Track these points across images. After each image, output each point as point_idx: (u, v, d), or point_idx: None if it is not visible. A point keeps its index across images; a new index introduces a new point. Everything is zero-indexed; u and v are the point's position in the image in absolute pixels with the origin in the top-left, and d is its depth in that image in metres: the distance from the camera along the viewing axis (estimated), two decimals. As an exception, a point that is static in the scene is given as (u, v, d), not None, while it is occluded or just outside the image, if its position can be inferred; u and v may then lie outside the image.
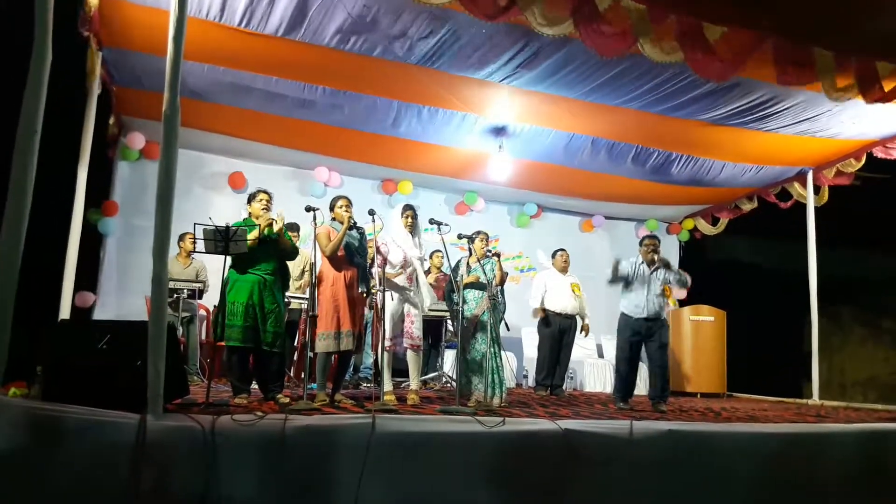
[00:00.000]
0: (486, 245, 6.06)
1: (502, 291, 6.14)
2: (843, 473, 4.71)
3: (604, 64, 6.24)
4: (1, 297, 3.23)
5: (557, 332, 7.73)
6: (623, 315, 6.41)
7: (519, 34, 5.88)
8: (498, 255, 6.00)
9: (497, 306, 5.89)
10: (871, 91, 6.10)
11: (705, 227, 11.40)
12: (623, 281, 6.39)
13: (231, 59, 6.59)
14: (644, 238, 6.62)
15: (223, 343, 5.01)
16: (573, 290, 7.84)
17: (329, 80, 7.07)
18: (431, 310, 6.35)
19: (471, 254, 5.96)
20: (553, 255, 8.07)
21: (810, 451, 4.70)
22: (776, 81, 6.06)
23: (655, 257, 6.40)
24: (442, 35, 5.94)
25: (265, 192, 5.28)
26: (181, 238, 7.62)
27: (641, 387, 8.51)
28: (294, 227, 7.10)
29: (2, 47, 5.55)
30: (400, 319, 5.56)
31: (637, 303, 6.29)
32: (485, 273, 5.83)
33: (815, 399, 8.47)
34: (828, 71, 5.97)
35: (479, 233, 6.08)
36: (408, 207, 5.79)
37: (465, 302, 5.75)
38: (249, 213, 5.23)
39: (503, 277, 6.00)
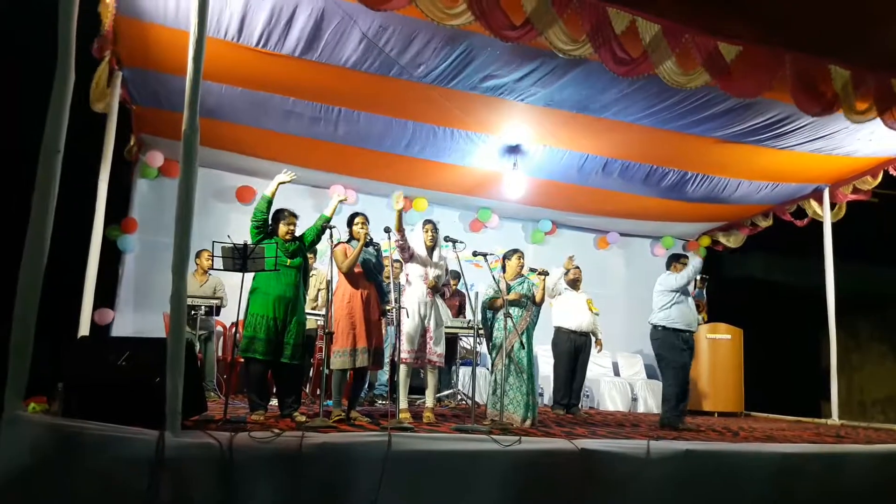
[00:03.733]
0: (521, 262, 6.03)
1: (538, 311, 6.09)
2: (863, 495, 4.65)
3: (619, 81, 6.27)
4: (23, 313, 3.27)
5: (573, 350, 7.69)
6: (667, 329, 6.27)
7: (534, 54, 5.93)
8: (545, 273, 5.97)
9: (533, 325, 5.88)
10: (890, 111, 6.09)
11: (725, 239, 11.33)
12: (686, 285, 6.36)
13: (249, 80, 6.68)
14: (680, 255, 6.68)
15: (241, 358, 5.05)
16: (588, 307, 7.80)
17: (345, 101, 7.15)
18: (447, 326, 6.35)
19: (504, 271, 5.96)
20: (565, 273, 8.01)
21: (830, 473, 4.64)
22: (803, 111, 6.08)
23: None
24: (457, 55, 6.00)
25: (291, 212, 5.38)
26: (198, 255, 7.66)
27: (653, 405, 8.48)
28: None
29: (23, 64, 5.67)
30: (420, 335, 5.56)
31: (686, 316, 6.26)
32: (517, 290, 5.81)
33: (835, 418, 8.37)
34: (847, 94, 5.96)
35: (515, 251, 6.07)
36: (428, 222, 5.83)
37: (500, 321, 5.73)
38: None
39: (543, 299, 5.96)
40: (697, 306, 6.45)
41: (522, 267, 6.02)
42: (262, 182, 9.21)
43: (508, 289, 5.83)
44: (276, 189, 5.28)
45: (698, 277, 6.55)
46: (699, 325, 6.45)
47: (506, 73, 6.30)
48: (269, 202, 5.21)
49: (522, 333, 5.66)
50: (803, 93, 5.92)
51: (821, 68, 5.98)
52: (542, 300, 5.92)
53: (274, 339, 4.95)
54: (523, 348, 5.61)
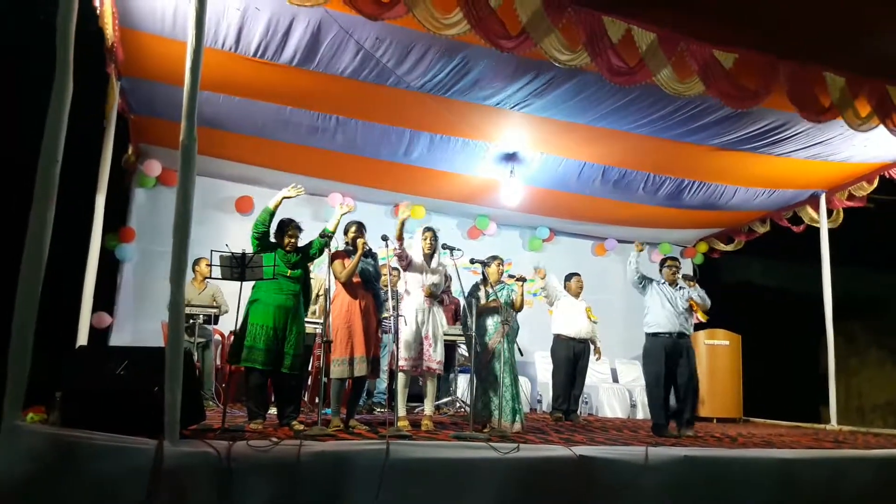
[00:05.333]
0: (501, 269, 6.05)
1: (515, 315, 6.11)
2: (863, 501, 4.65)
3: (615, 92, 6.33)
4: (21, 323, 3.28)
5: (572, 356, 7.68)
6: (647, 335, 6.31)
7: (531, 64, 5.96)
8: (523, 279, 5.98)
9: (514, 330, 5.88)
10: (890, 118, 6.14)
11: (722, 245, 11.36)
12: (643, 279, 6.41)
13: (247, 89, 6.70)
14: (665, 259, 6.65)
15: (240, 367, 5.04)
16: (587, 315, 7.81)
17: (342, 110, 7.18)
18: (444, 334, 6.34)
19: (485, 278, 5.97)
20: (567, 280, 8.05)
21: (828, 478, 4.64)
22: (806, 118, 6.15)
23: (678, 277, 6.44)
24: (454, 65, 6.04)
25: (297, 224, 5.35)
26: (195, 263, 7.66)
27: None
28: None
29: (23, 71, 5.69)
30: (418, 343, 5.58)
31: (660, 319, 6.23)
32: (498, 297, 5.82)
33: (833, 424, 8.38)
34: (846, 101, 6.00)
35: (494, 258, 6.09)
36: (428, 229, 5.83)
37: (482, 327, 5.74)
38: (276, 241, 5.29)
39: (523, 305, 5.97)
40: (690, 307, 6.40)
41: (502, 273, 6.04)
42: (259, 190, 9.26)
43: (487, 296, 5.85)
44: (280, 202, 5.23)
45: (680, 276, 6.52)
46: (694, 326, 6.37)
47: (502, 83, 6.34)
48: (272, 214, 5.17)
49: (504, 339, 5.68)
50: (801, 100, 5.95)
51: (816, 76, 6.01)
52: (521, 306, 5.92)
53: (274, 349, 4.92)
54: (502, 355, 5.63)
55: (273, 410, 5.50)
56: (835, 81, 6.05)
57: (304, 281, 5.28)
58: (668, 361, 6.18)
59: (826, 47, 5.81)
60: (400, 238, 5.52)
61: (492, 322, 5.76)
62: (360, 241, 5.30)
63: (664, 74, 5.59)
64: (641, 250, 6.64)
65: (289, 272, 5.11)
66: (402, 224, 5.51)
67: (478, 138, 7.81)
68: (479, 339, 5.75)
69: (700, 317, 6.38)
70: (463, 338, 7.45)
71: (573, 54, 5.35)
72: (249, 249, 4.98)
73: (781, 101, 6.00)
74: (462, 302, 5.57)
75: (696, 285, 6.42)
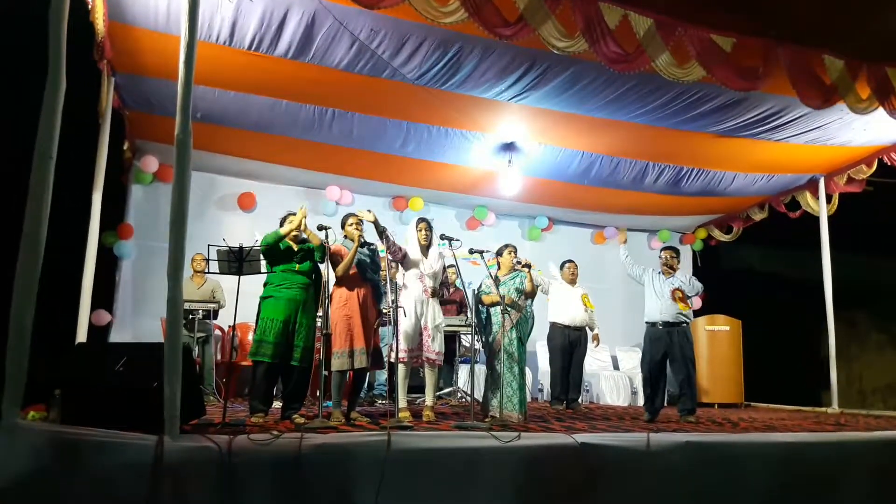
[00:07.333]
0: (514, 257, 6.04)
1: (531, 305, 6.08)
2: (864, 483, 4.65)
3: (613, 81, 6.30)
4: (19, 321, 3.26)
5: (567, 344, 7.68)
6: (646, 324, 6.55)
7: (526, 55, 5.93)
8: (529, 265, 5.97)
9: (526, 320, 5.86)
10: (890, 100, 6.12)
11: (719, 234, 11.36)
12: (635, 270, 6.77)
13: (241, 83, 6.67)
14: (661, 249, 6.83)
15: (236, 361, 5.05)
16: (583, 302, 7.79)
17: (338, 102, 7.15)
18: (446, 325, 6.34)
19: (498, 268, 5.96)
20: (561, 267, 8.04)
21: (830, 460, 4.64)
22: (805, 103, 6.13)
23: (671, 267, 6.53)
24: (450, 57, 6.00)
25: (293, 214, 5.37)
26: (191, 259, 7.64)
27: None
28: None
29: (16, 69, 5.66)
30: (417, 334, 5.57)
31: (653, 309, 6.44)
32: (508, 285, 5.80)
33: (835, 407, 8.39)
34: (847, 85, 5.98)
35: (506, 246, 6.08)
36: (422, 220, 5.82)
37: (491, 317, 5.74)
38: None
39: (534, 290, 5.96)
40: (673, 295, 6.41)
41: (514, 260, 6.03)
42: (259, 185, 9.27)
43: (497, 283, 5.84)
44: (289, 233, 5.19)
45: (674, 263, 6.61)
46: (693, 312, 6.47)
47: (498, 74, 6.30)
48: (280, 239, 5.17)
49: (512, 328, 5.66)
50: (801, 84, 5.92)
51: (815, 59, 5.98)
52: (533, 292, 5.92)
53: (283, 342, 4.97)
54: (511, 345, 5.62)
55: (277, 404, 5.50)
56: (834, 64, 6.02)
57: (314, 273, 5.31)
58: (657, 349, 6.35)
59: (825, 30, 5.78)
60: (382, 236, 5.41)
61: (508, 312, 5.70)
62: (356, 233, 5.29)
63: (663, 60, 5.57)
64: (624, 241, 7.10)
65: (296, 266, 5.14)
66: (376, 223, 5.34)
67: (475, 129, 7.78)
68: (488, 331, 5.76)
69: (680, 307, 6.37)
70: (466, 328, 7.47)
71: (571, 41, 5.33)
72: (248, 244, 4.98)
73: (780, 85, 5.97)
74: (465, 292, 5.54)
75: (678, 270, 6.53)
